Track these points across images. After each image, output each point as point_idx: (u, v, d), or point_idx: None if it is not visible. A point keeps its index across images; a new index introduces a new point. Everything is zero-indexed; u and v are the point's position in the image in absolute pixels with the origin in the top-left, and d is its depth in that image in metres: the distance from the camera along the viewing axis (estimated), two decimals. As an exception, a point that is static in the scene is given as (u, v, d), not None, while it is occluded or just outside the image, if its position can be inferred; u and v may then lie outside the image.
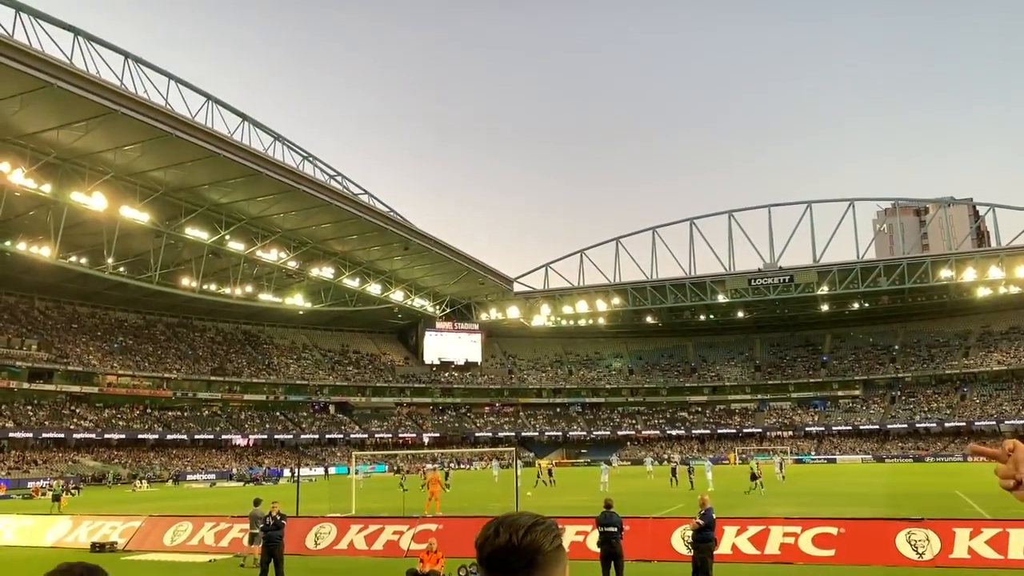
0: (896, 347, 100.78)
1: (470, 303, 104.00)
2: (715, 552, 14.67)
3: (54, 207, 53.58)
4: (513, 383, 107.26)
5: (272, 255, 71.06)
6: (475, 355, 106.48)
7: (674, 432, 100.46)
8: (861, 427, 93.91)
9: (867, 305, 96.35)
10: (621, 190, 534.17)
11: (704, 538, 14.06)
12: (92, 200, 53.10)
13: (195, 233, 63.39)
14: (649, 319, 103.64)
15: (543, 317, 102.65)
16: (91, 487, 60.65)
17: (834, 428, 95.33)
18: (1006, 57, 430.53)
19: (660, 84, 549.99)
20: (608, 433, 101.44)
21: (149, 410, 79.51)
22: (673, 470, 47.25)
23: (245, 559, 19.15)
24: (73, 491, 52.89)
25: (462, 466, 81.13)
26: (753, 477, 40.33)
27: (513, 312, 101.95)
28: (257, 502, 19.64)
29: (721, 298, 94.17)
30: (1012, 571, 15.34)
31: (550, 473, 52.22)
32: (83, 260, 64.11)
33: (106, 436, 73.44)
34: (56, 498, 37.93)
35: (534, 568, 1.62)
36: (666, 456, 72.55)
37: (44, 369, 71.96)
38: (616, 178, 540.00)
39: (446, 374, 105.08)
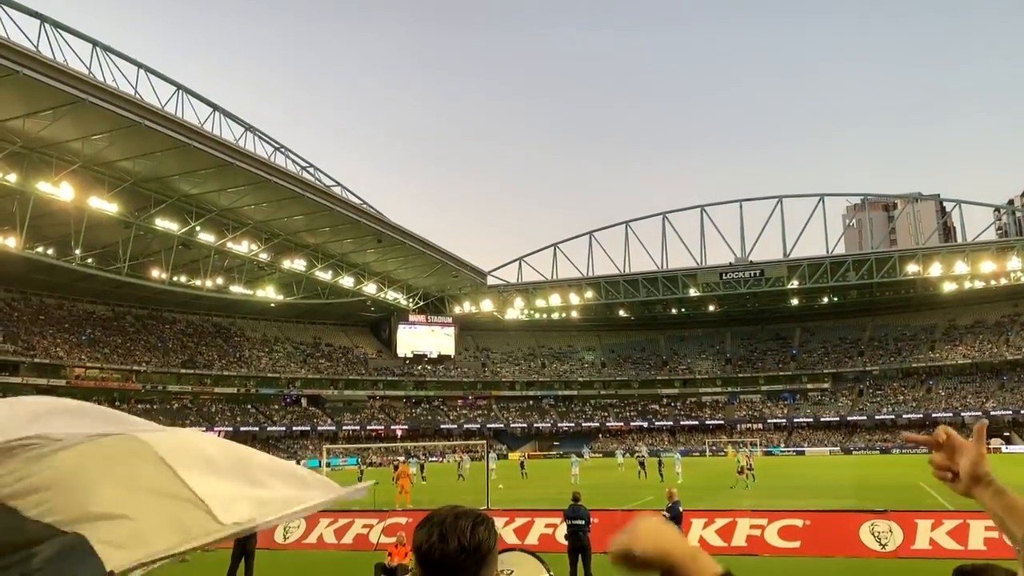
0: (864, 341, 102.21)
1: (444, 296, 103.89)
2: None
3: (20, 197, 52.67)
4: (486, 376, 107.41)
5: (243, 247, 70.44)
6: (448, 348, 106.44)
7: (645, 424, 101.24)
8: (829, 419, 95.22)
9: (836, 299, 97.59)
10: (595, 185, 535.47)
11: (671, 531, 14.19)
12: (59, 190, 52.31)
13: (165, 224, 62.68)
14: (622, 312, 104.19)
15: (516, 310, 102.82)
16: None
17: (803, 420, 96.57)
18: (974, 56, 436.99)
19: (633, 81, 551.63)
20: (580, 425, 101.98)
21: (118, 403, 78.52)
22: (641, 462, 47.67)
23: (186, 553, 19.02)
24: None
25: (433, 459, 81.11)
26: (740, 471, 40.21)
27: (487, 305, 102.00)
28: None
29: (693, 292, 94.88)
30: (972, 561, 15.65)
31: (522, 466, 52.45)
32: (50, 251, 63.16)
33: (74, 429, 72.55)
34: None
35: (482, 567, 1.64)
36: (636, 449, 72.98)
37: (10, 361, 70.80)
38: (590, 173, 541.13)
39: (419, 367, 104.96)
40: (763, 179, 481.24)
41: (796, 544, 17.62)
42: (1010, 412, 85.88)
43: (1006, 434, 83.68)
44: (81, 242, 58.43)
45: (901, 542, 17.03)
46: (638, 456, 52.45)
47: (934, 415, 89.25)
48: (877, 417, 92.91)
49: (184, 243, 66.13)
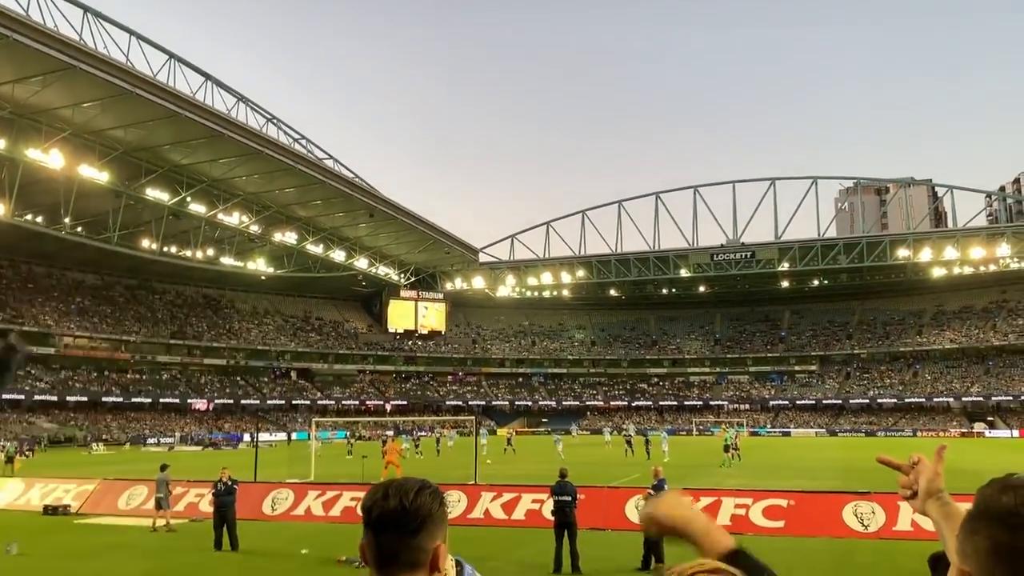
0: (852, 324, 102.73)
1: (435, 272, 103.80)
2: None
3: (9, 163, 52.29)
4: (477, 353, 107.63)
5: (234, 218, 70.13)
6: (439, 324, 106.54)
7: (634, 403, 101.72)
8: (816, 401, 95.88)
9: (826, 282, 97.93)
10: (589, 164, 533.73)
11: (656, 508, 14.33)
12: (49, 158, 51.93)
13: (155, 194, 62.33)
14: (613, 292, 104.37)
15: (508, 288, 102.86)
16: (51, 449, 60.00)
17: (790, 402, 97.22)
18: (970, 42, 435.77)
19: (629, 61, 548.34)
20: (569, 403, 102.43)
21: (107, 372, 78.53)
22: (628, 441, 47.88)
23: (156, 525, 19.19)
24: (27, 453, 52.28)
25: (423, 433, 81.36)
26: (727, 449, 40.69)
27: (478, 282, 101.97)
28: (164, 467, 19.81)
29: (684, 272, 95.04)
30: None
31: (509, 442, 52.67)
32: (39, 219, 62.76)
33: (64, 398, 72.48)
34: (9, 459, 37.48)
35: (422, 530, 1.70)
36: (623, 427, 73.40)
37: (-2, 329, 70.67)
38: (584, 152, 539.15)
39: (410, 343, 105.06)
40: (757, 161, 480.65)
41: (780, 524, 17.81)
42: (994, 398, 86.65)
43: (989, 419, 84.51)
44: (71, 210, 58.12)
45: (883, 523, 17.23)
46: (625, 434, 52.66)
47: (918, 399, 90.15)
48: (864, 400, 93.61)
49: (175, 213, 65.79)
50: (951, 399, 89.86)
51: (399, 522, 1.69)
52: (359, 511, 1.73)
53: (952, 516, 1.62)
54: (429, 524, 1.71)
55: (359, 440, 59.13)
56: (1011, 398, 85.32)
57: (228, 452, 56.53)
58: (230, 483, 16.93)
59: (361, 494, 16.75)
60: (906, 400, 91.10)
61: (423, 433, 70.17)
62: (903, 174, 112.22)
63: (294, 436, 75.51)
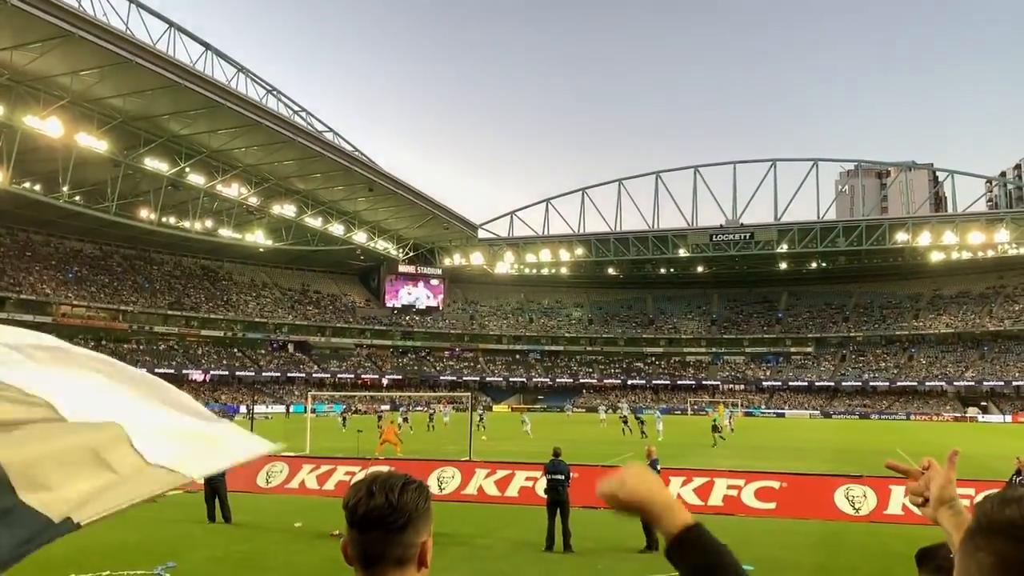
0: (849, 307, 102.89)
1: (433, 248, 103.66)
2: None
3: (7, 131, 51.97)
4: (474, 329, 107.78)
5: (233, 190, 69.91)
6: (437, 300, 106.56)
7: (630, 382, 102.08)
8: (812, 383, 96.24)
9: (824, 265, 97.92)
10: (589, 142, 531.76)
11: (648, 488, 14.40)
12: (47, 125, 51.64)
13: (154, 164, 62.08)
14: (611, 270, 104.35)
15: (506, 265, 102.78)
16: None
17: (785, 383, 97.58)
18: (972, 27, 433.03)
19: (632, 40, 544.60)
20: (566, 381, 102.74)
21: (104, 342, 78.53)
22: (624, 419, 47.99)
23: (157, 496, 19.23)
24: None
25: (418, 408, 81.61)
26: (715, 429, 41.01)
27: (477, 259, 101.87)
28: None
29: (682, 252, 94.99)
30: (944, 540, 15.95)
31: (481, 419, 50.48)
32: (37, 187, 62.52)
33: (59, 367, 72.49)
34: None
35: (409, 526, 1.68)
36: (618, 405, 73.67)
37: (-5, 297, 70.54)
38: (585, 129, 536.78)
39: (407, 317, 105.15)
40: (758, 142, 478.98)
41: (772, 505, 17.92)
42: (988, 383, 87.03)
43: (983, 404, 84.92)
44: (69, 179, 57.85)
45: (874, 507, 17.35)
46: (620, 414, 52.71)
47: (913, 383, 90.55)
48: (858, 382, 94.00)
49: (173, 184, 65.57)
50: (945, 383, 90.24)
51: (385, 520, 1.66)
52: (342, 508, 1.70)
53: (964, 526, 1.59)
54: (416, 520, 1.70)
55: (355, 414, 59.23)
56: (1004, 383, 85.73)
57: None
58: (223, 455, 16.95)
59: (355, 468, 16.87)
60: (900, 383, 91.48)
61: (419, 408, 70.22)
62: (904, 158, 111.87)
63: (291, 408, 75.77)
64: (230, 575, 12.51)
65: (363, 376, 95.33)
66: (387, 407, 63.96)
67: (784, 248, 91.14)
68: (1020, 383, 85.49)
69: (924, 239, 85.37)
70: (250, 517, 16.79)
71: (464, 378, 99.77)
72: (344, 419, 50.40)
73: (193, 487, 20.12)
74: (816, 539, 15.38)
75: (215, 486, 16.52)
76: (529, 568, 12.15)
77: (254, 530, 15.92)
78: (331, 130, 72.36)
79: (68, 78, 49.48)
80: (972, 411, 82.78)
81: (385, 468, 1.82)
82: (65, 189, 59.70)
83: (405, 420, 50.69)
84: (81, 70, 48.56)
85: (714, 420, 43.60)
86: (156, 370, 79.58)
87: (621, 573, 12.00)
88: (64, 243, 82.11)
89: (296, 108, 69.00)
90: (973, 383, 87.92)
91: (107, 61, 47.29)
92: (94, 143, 55.55)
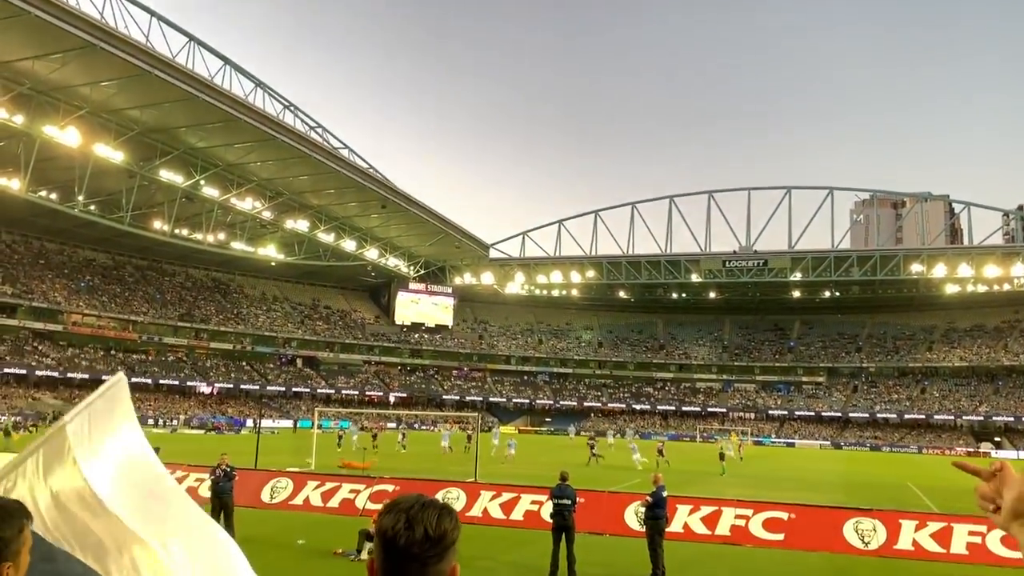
0: (862, 337, 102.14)
1: (444, 266, 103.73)
2: (666, 530, 14.83)
3: (26, 139, 52.44)
4: (483, 348, 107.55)
5: (247, 204, 70.22)
6: (446, 318, 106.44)
7: (638, 407, 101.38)
8: (822, 413, 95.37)
9: (837, 294, 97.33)
10: (604, 165, 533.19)
11: (654, 515, 14.22)
12: (65, 135, 52.08)
13: (169, 176, 62.46)
14: (622, 294, 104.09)
15: (517, 285, 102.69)
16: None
17: (796, 413, 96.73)
18: (991, 57, 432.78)
19: (648, 65, 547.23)
20: (573, 404, 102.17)
21: (114, 352, 78.75)
22: (591, 446, 43.46)
23: None
24: (32, 428, 52.55)
25: (425, 427, 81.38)
26: (722, 457, 40.43)
27: (487, 278, 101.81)
28: (155, 451, 19.61)
29: (695, 278, 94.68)
30: (953, 564, 15.66)
31: (469, 439, 48.51)
32: (53, 196, 62.95)
33: (68, 375, 72.72)
34: (7, 433, 37.67)
35: (446, 555, 1.70)
36: (626, 431, 72.68)
37: (7, 304, 70.82)
38: (600, 153, 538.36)
39: (416, 335, 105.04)
40: (773, 170, 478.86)
41: (780, 536, 17.62)
42: (1002, 418, 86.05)
43: (996, 439, 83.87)
44: (84, 188, 58.27)
45: (884, 541, 17.02)
46: (589, 440, 46.65)
47: (925, 416, 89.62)
48: (879, 415, 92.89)
49: (188, 196, 65.91)
50: (958, 417, 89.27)
51: (425, 553, 1.67)
52: (375, 534, 1.70)
53: None
54: (451, 550, 1.73)
55: (362, 431, 58.83)
56: (1018, 419, 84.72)
57: (230, 437, 56.62)
58: (229, 469, 16.87)
59: (359, 487, 16.64)
60: (913, 416, 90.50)
61: (425, 427, 69.87)
62: (921, 189, 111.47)
63: (299, 424, 75.58)
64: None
65: (369, 393, 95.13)
66: (394, 424, 63.61)
67: (797, 276, 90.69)
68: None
69: (939, 271, 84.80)
70: (254, 532, 16.59)
71: (472, 397, 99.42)
72: (340, 437, 49.60)
73: (199, 500, 20.01)
74: (824, 572, 15.09)
75: (223, 500, 16.40)
76: (532, 594, 11.92)
77: (258, 545, 15.69)
78: (346, 146, 72.77)
79: (88, 88, 49.96)
80: (985, 446, 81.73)
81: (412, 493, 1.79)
82: (80, 198, 60.09)
83: (402, 437, 50.07)
84: (100, 81, 49.03)
85: (721, 448, 43.03)
86: (162, 381, 79.80)
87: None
88: (77, 252, 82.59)
89: (312, 124, 69.47)
90: (986, 418, 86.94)
91: (126, 73, 47.70)
92: (111, 153, 55.95)
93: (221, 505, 16.40)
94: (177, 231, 71.63)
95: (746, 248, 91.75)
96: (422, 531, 1.67)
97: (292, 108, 66.48)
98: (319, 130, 69.90)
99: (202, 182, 64.36)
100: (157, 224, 69.87)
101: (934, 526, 17.26)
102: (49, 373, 71.34)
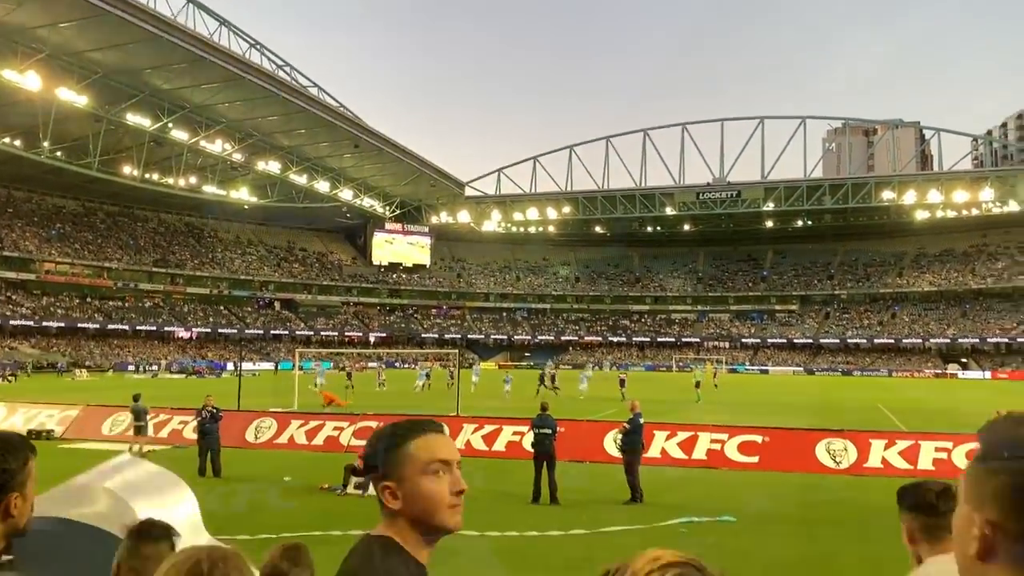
0: (834, 265, 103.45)
1: (420, 206, 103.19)
2: (644, 455, 15.30)
3: (-16, 85, 51.12)
4: (461, 287, 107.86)
5: (217, 146, 69.18)
6: (424, 258, 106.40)
7: (613, 339, 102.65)
8: (795, 340, 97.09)
9: (810, 223, 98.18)
10: (576, 98, 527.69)
11: (631, 442, 14.66)
12: (25, 79, 50.77)
13: (136, 119, 61.27)
14: (598, 229, 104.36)
15: (493, 223, 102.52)
16: (36, 375, 59.81)
17: (769, 340, 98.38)
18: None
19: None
20: (552, 338, 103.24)
21: (89, 299, 78.18)
22: (541, 377, 44.64)
23: (131, 449, 19.33)
24: (10, 378, 52.40)
25: (406, 365, 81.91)
26: (697, 385, 41.43)
27: (464, 216, 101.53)
28: (137, 397, 19.89)
29: (669, 211, 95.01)
30: (921, 479, 16.27)
31: (349, 376, 48.03)
32: (17, 142, 61.67)
33: (44, 324, 72.25)
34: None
35: None
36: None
37: (-22, 254, 69.91)
38: (574, 87, 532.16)
39: (394, 275, 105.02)
40: (746, 100, 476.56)
41: (755, 459, 18.21)
42: (969, 340, 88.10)
43: (963, 360, 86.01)
44: (49, 134, 57.07)
45: (855, 460, 17.66)
46: (546, 371, 47.10)
47: (895, 340, 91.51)
48: (850, 340, 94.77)
49: (156, 140, 64.81)
50: (926, 340, 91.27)
51: None
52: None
53: None
54: None
55: (341, 371, 58.81)
56: (983, 340, 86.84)
57: (211, 380, 56.77)
58: (214, 411, 17.10)
59: (343, 424, 16.94)
60: (883, 341, 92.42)
61: (406, 365, 70.01)
62: (892, 116, 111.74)
63: (279, 366, 75.77)
64: (221, 528, 12.63)
65: (349, 334, 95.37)
66: (375, 364, 63.97)
67: (770, 206, 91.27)
68: (999, 340, 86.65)
69: (909, 197, 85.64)
70: (240, 472, 16.92)
71: (449, 335, 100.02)
72: (316, 381, 47.96)
73: (184, 442, 20.26)
74: (798, 491, 15.66)
75: (208, 441, 16.68)
76: (516, 520, 12.35)
77: (245, 484, 16.03)
78: (315, 85, 71.44)
79: (46, 30, 48.54)
80: (952, 368, 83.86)
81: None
82: (46, 144, 58.95)
83: (378, 375, 49.46)
84: (59, 22, 47.65)
85: (696, 377, 43.88)
86: (140, 327, 79.52)
87: (606, 524, 12.23)
88: (46, 200, 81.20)
89: (279, 63, 67.99)
90: (953, 340, 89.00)
91: (86, 13, 46.36)
92: (74, 97, 54.71)
93: (207, 446, 16.68)
94: (147, 176, 70.60)
95: (719, 179, 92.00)
96: None
97: (259, 47, 65.00)
98: (287, 69, 68.53)
99: (170, 125, 63.21)
100: (127, 169, 68.77)
101: (902, 444, 17.94)
102: (24, 322, 70.83)
